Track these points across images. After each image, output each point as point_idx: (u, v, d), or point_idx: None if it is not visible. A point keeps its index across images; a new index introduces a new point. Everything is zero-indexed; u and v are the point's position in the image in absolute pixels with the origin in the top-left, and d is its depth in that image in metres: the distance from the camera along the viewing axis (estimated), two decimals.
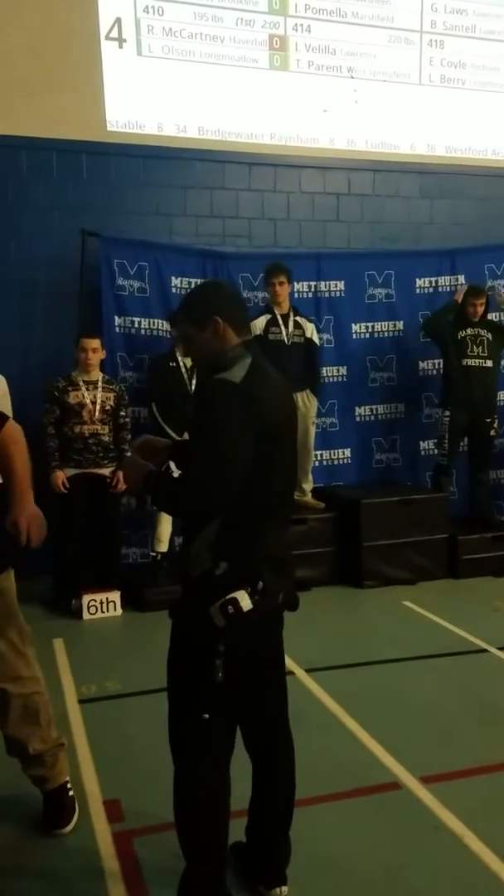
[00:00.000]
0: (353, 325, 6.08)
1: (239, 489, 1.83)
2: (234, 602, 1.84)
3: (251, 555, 1.90)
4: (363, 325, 6.12)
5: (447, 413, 5.76)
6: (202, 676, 1.88)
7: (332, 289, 6.04)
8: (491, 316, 5.95)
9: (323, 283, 6.00)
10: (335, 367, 5.98)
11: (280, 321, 5.35)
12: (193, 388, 4.99)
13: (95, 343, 4.85)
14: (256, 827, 2.17)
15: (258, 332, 5.34)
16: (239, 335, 1.99)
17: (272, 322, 5.35)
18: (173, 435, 4.71)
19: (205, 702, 1.91)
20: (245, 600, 1.85)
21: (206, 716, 1.89)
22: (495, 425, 5.88)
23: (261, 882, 2.17)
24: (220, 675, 1.86)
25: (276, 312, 5.38)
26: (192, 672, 1.93)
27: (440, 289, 6.23)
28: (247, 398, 1.85)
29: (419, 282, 6.24)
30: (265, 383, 1.93)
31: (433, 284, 6.26)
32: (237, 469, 1.82)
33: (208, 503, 1.85)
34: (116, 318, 5.43)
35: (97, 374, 4.88)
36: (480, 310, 5.72)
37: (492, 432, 5.86)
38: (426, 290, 6.26)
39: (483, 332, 5.74)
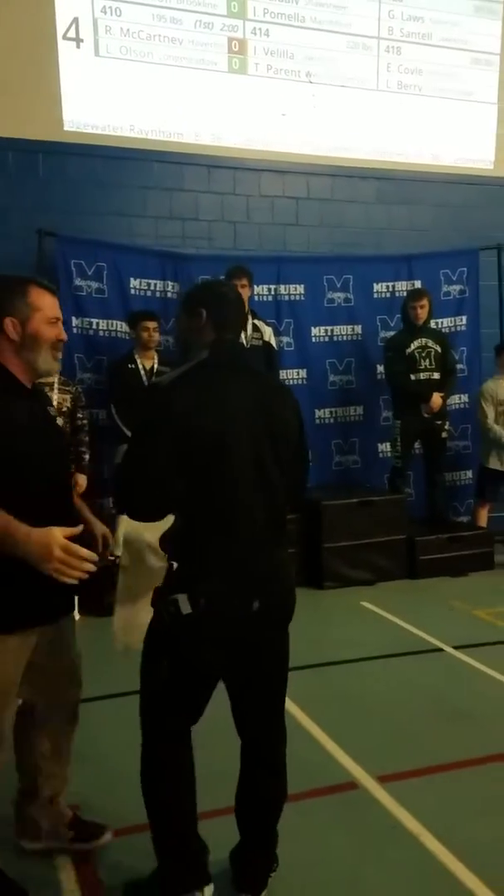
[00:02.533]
0: (312, 328, 6.12)
1: (177, 494, 1.86)
2: (175, 603, 1.87)
3: (196, 562, 1.90)
4: (323, 328, 6.16)
5: (398, 420, 5.86)
6: (153, 662, 1.95)
7: (292, 292, 6.07)
8: (434, 324, 6.02)
9: (283, 287, 6.03)
10: (295, 370, 6.01)
11: None
12: None
13: None
14: (238, 821, 2.17)
15: None
16: (217, 333, 2.00)
17: None
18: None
19: (157, 679, 1.97)
20: (185, 604, 1.86)
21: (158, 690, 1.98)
22: (446, 427, 5.98)
23: (235, 884, 2.15)
24: (166, 670, 1.92)
25: None
26: (149, 649, 1.98)
27: (397, 293, 6.31)
28: (163, 403, 1.86)
29: (377, 286, 6.31)
30: (193, 388, 1.89)
31: (391, 289, 6.34)
32: (147, 473, 1.83)
33: (129, 504, 1.90)
34: (74, 318, 5.37)
35: (54, 375, 4.82)
36: (422, 312, 5.79)
37: (443, 434, 5.96)
38: (384, 295, 6.33)
39: (431, 344, 5.83)
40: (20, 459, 1.94)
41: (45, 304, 2.04)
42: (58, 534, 1.77)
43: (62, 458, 2.27)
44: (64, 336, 2.10)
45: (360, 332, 6.26)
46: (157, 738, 2.02)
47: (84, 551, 1.78)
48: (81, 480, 4.66)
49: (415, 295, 5.86)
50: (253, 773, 2.14)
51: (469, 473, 6.52)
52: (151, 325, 5.04)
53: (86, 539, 2.05)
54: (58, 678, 2.26)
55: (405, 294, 6.22)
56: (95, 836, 2.39)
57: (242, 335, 5.34)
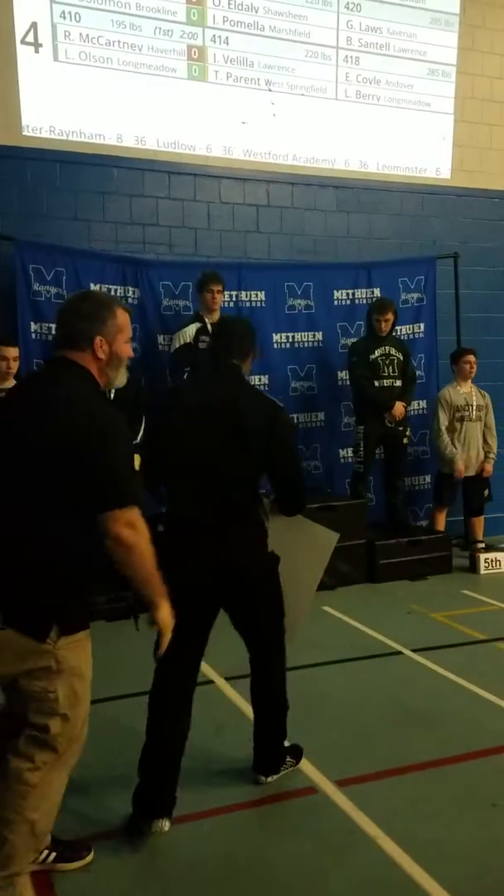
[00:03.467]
0: (273, 334, 6.15)
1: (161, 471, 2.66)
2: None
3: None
4: (284, 335, 6.20)
5: (360, 426, 5.92)
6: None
7: (252, 299, 6.09)
8: (395, 331, 6.10)
9: (244, 293, 6.04)
10: (257, 376, 6.03)
11: (210, 329, 5.36)
12: (112, 394, 4.93)
13: (15, 351, 4.74)
14: (254, 712, 2.85)
15: (188, 341, 5.34)
16: (218, 354, 2.86)
17: (202, 331, 5.35)
18: None
19: None
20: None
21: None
22: (408, 433, 6.07)
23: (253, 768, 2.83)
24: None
25: (207, 321, 5.39)
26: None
27: (357, 301, 6.37)
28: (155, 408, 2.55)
29: (337, 294, 6.37)
30: (169, 393, 2.53)
31: (350, 296, 6.40)
32: (143, 454, 2.73)
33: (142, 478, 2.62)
34: (33, 324, 5.33)
35: (10, 382, 4.77)
36: (386, 326, 5.87)
37: (405, 440, 6.04)
38: (343, 302, 6.39)
39: (394, 352, 5.91)
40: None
41: (126, 325, 2.20)
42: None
43: None
44: (132, 353, 2.29)
45: (320, 338, 6.31)
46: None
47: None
48: None
49: (380, 308, 5.90)
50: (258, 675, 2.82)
51: (427, 478, 6.60)
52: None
53: None
54: None
55: (365, 301, 6.29)
56: (80, 856, 2.37)
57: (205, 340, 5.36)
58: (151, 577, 2.04)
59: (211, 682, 3.71)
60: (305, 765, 2.93)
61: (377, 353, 5.87)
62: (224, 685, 3.69)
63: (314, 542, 2.94)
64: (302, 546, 2.84)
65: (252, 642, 2.76)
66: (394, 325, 5.94)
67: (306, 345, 6.28)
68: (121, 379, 2.25)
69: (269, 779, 2.80)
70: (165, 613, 2.10)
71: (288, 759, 2.88)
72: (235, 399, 2.58)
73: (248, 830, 2.54)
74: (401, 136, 6.66)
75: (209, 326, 5.35)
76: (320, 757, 2.98)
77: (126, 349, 2.20)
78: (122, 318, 2.18)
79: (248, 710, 3.42)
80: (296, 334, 6.24)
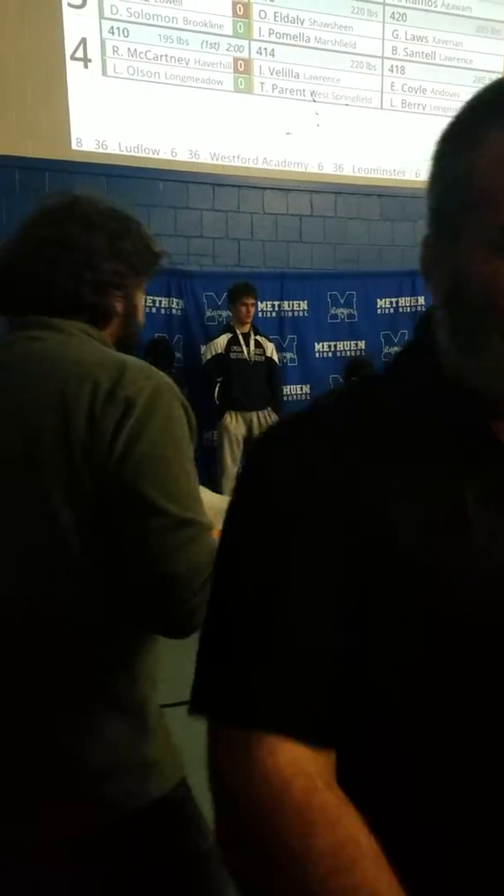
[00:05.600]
0: (315, 344, 6.16)
1: None
2: None
3: None
4: (326, 344, 6.19)
5: None
6: None
7: (295, 308, 6.10)
8: None
9: (286, 303, 6.07)
10: (298, 386, 6.04)
11: (241, 340, 5.43)
12: None
13: None
14: None
15: (219, 351, 5.40)
16: None
17: (233, 341, 5.41)
18: None
19: None
20: None
21: None
22: None
23: None
24: None
25: (238, 331, 5.44)
26: None
27: (401, 309, 6.34)
28: None
29: (380, 302, 6.35)
30: None
31: (394, 305, 6.37)
32: None
33: None
34: None
35: None
36: None
37: None
38: (387, 311, 6.36)
39: None
40: None
41: None
42: None
43: None
44: None
45: (363, 347, 6.29)
46: None
47: None
48: None
49: None
50: None
51: None
52: None
53: None
54: None
55: (409, 310, 6.26)
56: None
57: (245, 351, 5.41)
58: None
59: None
60: None
61: None
62: None
63: None
64: None
65: None
66: None
67: (349, 354, 6.27)
68: None
69: None
70: None
71: None
72: None
73: None
74: None
75: (240, 337, 5.41)
76: None
77: None
78: None
79: None
80: (338, 343, 6.23)
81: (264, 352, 5.50)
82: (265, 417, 5.45)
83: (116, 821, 1.03)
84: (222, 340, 5.40)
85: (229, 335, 5.43)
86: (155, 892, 1.07)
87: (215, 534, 0.98)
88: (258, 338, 5.50)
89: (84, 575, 1.02)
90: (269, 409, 5.49)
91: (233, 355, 5.36)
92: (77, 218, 1.18)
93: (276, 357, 5.63)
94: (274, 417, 5.57)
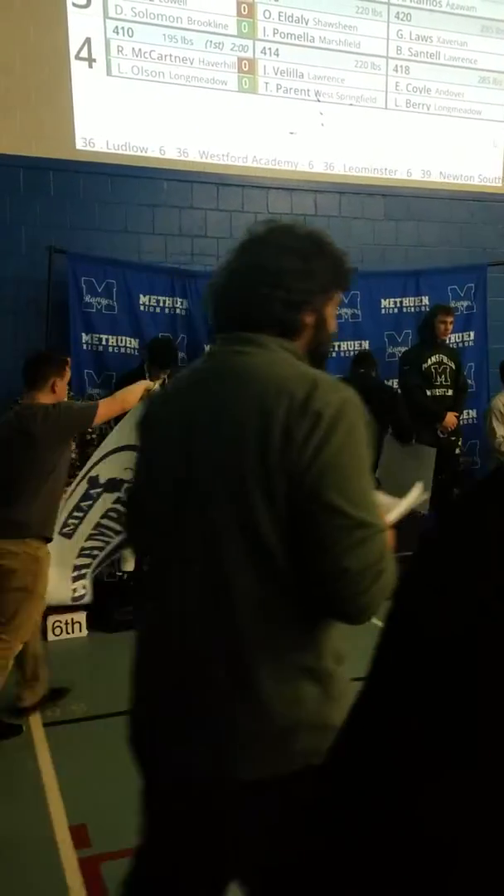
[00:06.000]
0: None
1: None
2: None
3: None
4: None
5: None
6: None
7: None
8: (447, 339, 6.04)
9: None
10: None
11: None
12: None
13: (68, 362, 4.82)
14: None
15: None
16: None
17: None
18: None
19: None
20: None
21: None
22: (459, 443, 5.98)
23: None
24: None
25: None
26: None
27: (405, 309, 6.33)
28: None
29: (384, 302, 6.33)
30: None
31: (398, 305, 6.35)
32: None
33: None
34: (84, 334, 5.40)
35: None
36: (447, 329, 5.82)
37: (457, 450, 5.95)
38: (391, 311, 6.35)
39: (446, 361, 5.85)
40: None
41: None
42: None
43: None
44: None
45: (367, 347, 6.26)
46: None
47: None
48: None
49: (446, 309, 5.89)
50: None
51: None
52: None
53: None
54: None
55: (413, 310, 6.24)
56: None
57: None
58: None
59: None
60: None
61: (430, 361, 5.82)
62: None
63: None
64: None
65: None
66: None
67: (352, 354, 6.25)
68: None
69: None
70: None
71: None
72: None
73: None
74: (451, 144, 6.61)
75: None
76: None
77: None
78: None
79: None
80: (342, 343, 6.20)
81: None
82: None
83: (297, 771, 1.20)
84: None
85: None
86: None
87: (389, 536, 1.24)
88: None
89: (278, 570, 1.22)
90: None
91: None
92: (272, 243, 1.38)
93: None
94: None
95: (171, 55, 5.72)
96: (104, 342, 5.47)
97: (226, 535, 1.24)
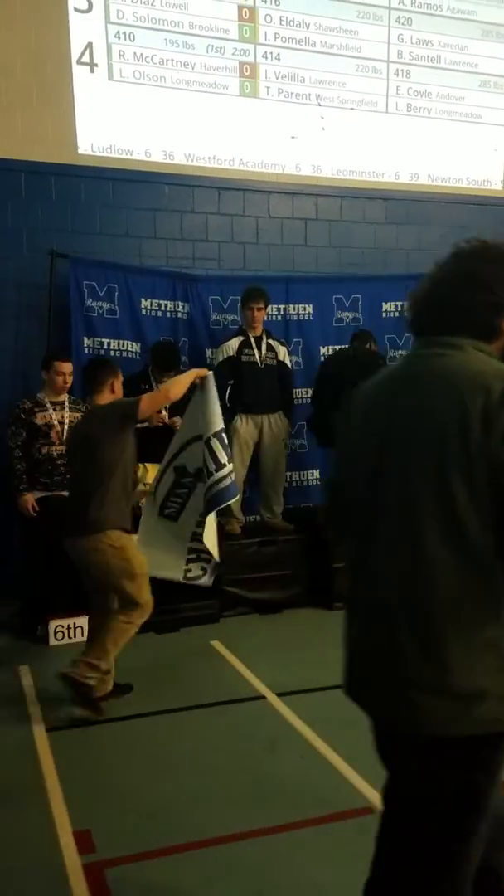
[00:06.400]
0: (321, 347, 6.14)
1: None
2: None
3: None
4: (331, 347, 6.17)
5: None
6: None
7: (300, 312, 6.09)
8: None
9: (292, 307, 6.05)
10: (304, 389, 6.01)
11: (253, 343, 5.40)
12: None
13: (70, 366, 4.83)
14: None
15: (231, 354, 5.37)
16: None
17: (245, 344, 5.38)
18: None
19: None
20: None
21: None
22: None
23: None
24: None
25: (250, 335, 5.42)
26: None
27: (406, 313, 6.32)
28: None
29: (385, 306, 6.33)
30: None
31: (399, 309, 6.35)
32: None
33: None
34: (85, 339, 5.41)
35: (64, 395, 4.85)
36: None
37: None
38: (392, 314, 6.35)
39: None
40: None
41: None
42: None
43: None
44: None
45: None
46: None
47: None
48: None
49: None
50: None
51: None
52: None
53: None
54: None
55: None
56: None
57: (257, 354, 5.38)
58: None
59: (262, 697, 3.69)
60: (362, 784, 2.88)
61: None
62: (276, 701, 3.66)
63: None
64: None
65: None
66: None
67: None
68: None
69: None
70: None
71: None
72: None
73: (307, 849, 2.51)
74: (452, 148, 6.62)
75: (252, 340, 5.38)
76: (377, 777, 2.93)
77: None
78: None
79: (299, 723, 3.42)
80: (342, 345, 6.21)
81: (276, 356, 5.47)
82: (276, 421, 5.43)
83: (479, 735, 1.40)
84: (234, 343, 5.37)
85: (241, 338, 5.41)
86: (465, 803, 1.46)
87: None
88: (270, 341, 5.48)
89: (471, 546, 1.38)
90: (279, 412, 5.47)
91: (244, 358, 5.33)
92: (480, 256, 1.57)
93: (288, 361, 5.60)
94: (284, 421, 5.55)
95: (172, 60, 5.73)
96: (106, 346, 5.47)
97: (426, 515, 1.40)
